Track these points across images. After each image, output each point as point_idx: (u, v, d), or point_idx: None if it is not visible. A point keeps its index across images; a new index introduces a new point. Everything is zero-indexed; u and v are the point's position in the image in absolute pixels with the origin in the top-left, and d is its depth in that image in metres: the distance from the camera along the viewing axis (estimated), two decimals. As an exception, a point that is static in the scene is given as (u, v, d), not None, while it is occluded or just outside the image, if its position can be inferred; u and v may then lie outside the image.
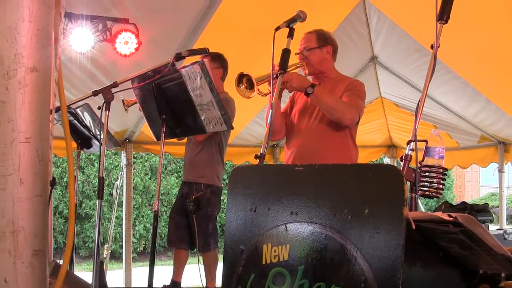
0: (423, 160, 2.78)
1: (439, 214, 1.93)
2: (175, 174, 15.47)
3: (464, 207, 6.78)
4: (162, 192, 14.71)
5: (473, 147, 9.32)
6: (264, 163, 3.59)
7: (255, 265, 2.43)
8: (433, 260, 2.21)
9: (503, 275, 2.40)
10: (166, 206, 14.39)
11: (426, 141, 2.79)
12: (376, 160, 12.29)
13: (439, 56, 6.85)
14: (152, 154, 13.12)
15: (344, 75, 4.68)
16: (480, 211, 6.61)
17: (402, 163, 2.71)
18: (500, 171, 9.31)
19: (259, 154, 3.31)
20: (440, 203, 7.13)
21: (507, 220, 11.02)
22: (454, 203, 8.34)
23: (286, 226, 2.32)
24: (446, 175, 2.81)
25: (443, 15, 2.86)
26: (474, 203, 8.28)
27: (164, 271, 9.02)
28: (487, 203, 8.84)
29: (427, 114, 9.00)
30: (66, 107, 2.07)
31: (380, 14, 6.73)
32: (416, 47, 7.00)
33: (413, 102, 8.68)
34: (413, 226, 1.90)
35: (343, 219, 2.06)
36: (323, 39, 4.50)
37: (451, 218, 1.89)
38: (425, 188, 2.77)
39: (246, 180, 2.59)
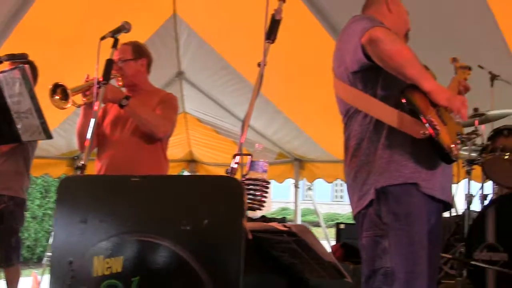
0: (247, 173, 2.84)
1: (275, 224, 1.98)
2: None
3: (263, 220, 6.98)
4: None
5: (271, 163, 9.62)
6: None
7: (85, 277, 2.35)
8: (264, 269, 2.27)
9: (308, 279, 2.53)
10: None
11: (251, 155, 2.86)
12: (176, 175, 12.35)
13: (245, 73, 7.08)
14: None
15: (158, 88, 4.70)
16: (279, 224, 6.84)
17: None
18: (296, 186, 9.74)
19: (80, 165, 3.20)
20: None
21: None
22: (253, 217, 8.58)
23: (120, 238, 2.27)
24: (269, 188, 2.90)
25: (271, 35, 2.96)
26: (273, 217, 8.59)
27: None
28: (285, 217, 9.20)
29: (229, 130, 9.22)
30: None
31: (190, 31, 6.80)
32: (222, 64, 7.16)
33: (216, 118, 8.88)
34: (250, 236, 1.94)
35: (181, 230, 2.06)
36: (138, 51, 4.49)
37: (285, 228, 1.95)
38: (249, 201, 2.83)
39: (76, 192, 2.51)
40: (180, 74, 8.02)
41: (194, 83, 8.14)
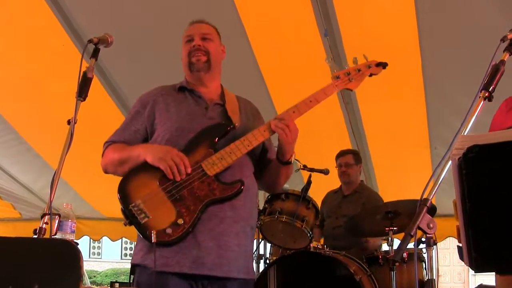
0: (56, 233, 2.72)
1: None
2: None
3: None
4: None
5: (37, 219, 9.22)
6: None
7: None
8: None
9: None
10: None
11: (59, 215, 2.75)
12: None
13: (15, 125, 6.74)
14: None
15: None
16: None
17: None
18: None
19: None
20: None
21: None
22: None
23: None
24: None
25: (82, 92, 2.92)
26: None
27: None
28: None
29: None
30: None
31: None
32: None
33: None
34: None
35: (9, 296, 1.92)
36: None
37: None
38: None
39: None
40: None
41: None
